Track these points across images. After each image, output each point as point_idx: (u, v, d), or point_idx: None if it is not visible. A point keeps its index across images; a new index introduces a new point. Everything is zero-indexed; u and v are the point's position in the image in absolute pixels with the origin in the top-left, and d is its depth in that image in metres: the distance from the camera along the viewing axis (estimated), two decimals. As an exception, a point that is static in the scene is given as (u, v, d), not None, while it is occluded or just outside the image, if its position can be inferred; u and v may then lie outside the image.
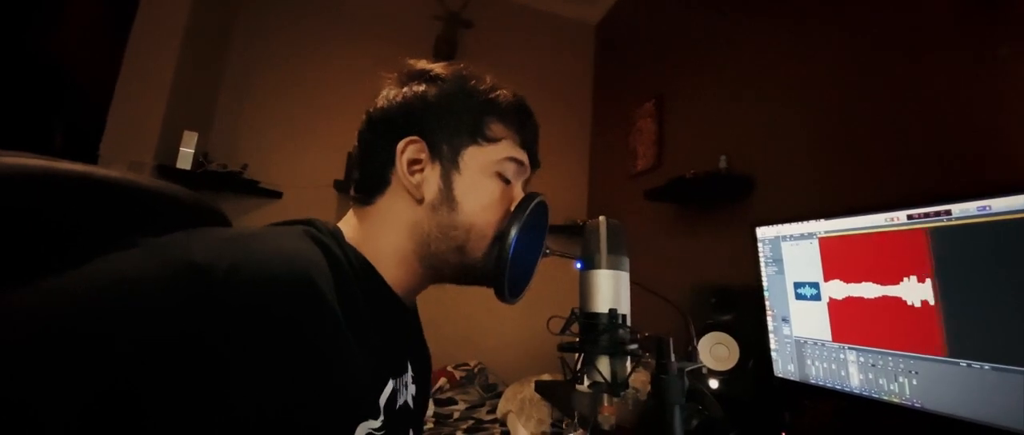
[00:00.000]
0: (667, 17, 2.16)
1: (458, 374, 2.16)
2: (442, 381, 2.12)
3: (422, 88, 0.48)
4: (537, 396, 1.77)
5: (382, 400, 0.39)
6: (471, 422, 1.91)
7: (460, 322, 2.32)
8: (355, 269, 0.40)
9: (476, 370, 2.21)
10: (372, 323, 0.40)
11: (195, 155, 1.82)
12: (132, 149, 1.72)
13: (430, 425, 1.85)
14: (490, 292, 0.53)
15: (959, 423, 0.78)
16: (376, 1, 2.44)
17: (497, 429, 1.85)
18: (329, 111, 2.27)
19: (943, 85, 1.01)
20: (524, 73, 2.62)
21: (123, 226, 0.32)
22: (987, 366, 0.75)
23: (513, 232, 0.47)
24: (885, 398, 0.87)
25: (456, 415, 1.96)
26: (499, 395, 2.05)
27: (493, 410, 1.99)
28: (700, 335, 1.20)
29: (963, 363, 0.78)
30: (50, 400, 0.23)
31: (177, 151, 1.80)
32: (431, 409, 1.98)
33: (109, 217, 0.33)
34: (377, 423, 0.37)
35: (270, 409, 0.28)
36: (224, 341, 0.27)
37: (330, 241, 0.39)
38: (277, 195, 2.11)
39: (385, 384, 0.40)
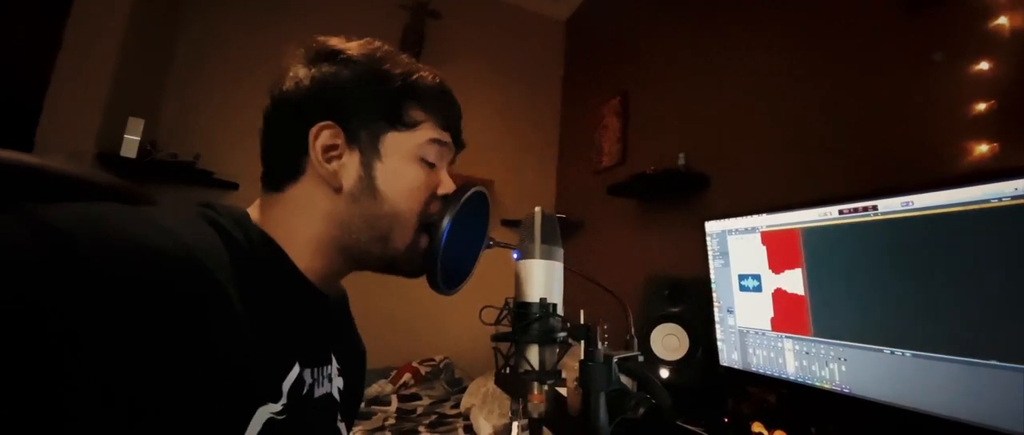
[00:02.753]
0: (633, 15, 2.19)
1: (423, 369, 2.15)
2: (407, 376, 2.10)
3: (334, 70, 0.45)
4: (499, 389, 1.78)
5: (285, 385, 0.38)
6: (434, 417, 1.90)
7: (426, 317, 2.30)
8: (258, 252, 0.39)
9: (442, 365, 2.20)
10: (276, 307, 0.38)
11: (141, 143, 1.73)
12: (71, 135, 1.62)
13: (392, 421, 1.83)
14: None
15: (884, 408, 0.83)
16: (341, -12, 2.38)
17: (460, 423, 1.84)
18: (290, 100, 2.19)
19: (880, 88, 1.07)
20: (493, 67, 2.61)
21: None
22: (908, 353, 0.80)
23: (445, 221, 0.46)
24: (818, 384, 0.92)
25: (420, 410, 1.95)
26: (465, 390, 2.05)
27: (458, 405, 1.99)
28: (653, 326, 1.23)
29: (887, 350, 0.82)
30: None
31: (121, 139, 1.71)
32: (394, 404, 1.96)
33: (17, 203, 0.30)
34: (277, 406, 0.36)
35: (138, 393, 0.27)
36: (78, 314, 0.25)
37: (229, 222, 0.38)
38: (233, 187, 2.03)
39: (289, 369, 0.39)
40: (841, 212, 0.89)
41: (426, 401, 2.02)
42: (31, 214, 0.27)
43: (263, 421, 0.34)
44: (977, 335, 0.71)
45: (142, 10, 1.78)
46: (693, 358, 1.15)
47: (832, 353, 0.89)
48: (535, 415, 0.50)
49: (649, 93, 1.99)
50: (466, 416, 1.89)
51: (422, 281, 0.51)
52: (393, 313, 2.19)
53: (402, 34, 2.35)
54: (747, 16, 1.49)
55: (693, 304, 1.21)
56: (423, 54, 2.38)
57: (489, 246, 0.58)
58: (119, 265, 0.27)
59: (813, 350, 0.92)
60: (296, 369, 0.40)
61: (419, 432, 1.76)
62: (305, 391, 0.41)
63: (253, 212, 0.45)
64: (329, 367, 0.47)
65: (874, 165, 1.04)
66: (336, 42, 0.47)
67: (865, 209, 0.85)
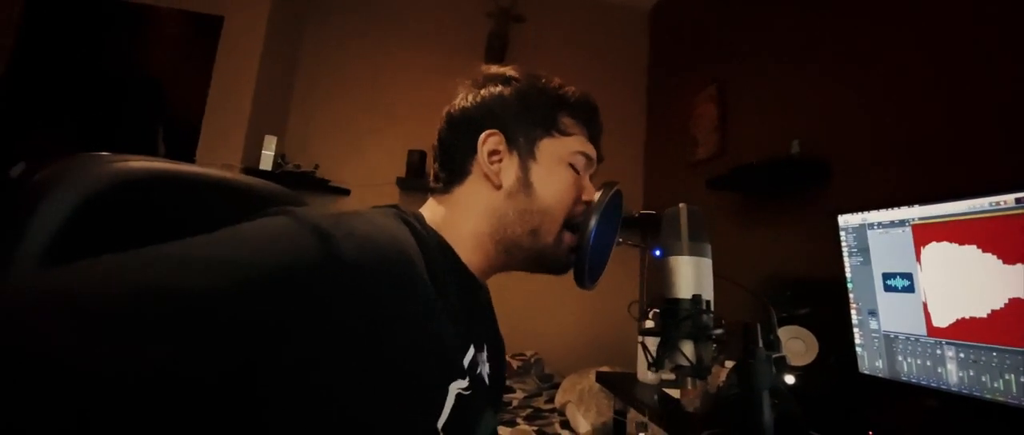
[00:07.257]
0: (728, -3, 2.06)
1: (515, 363, 2.21)
2: (500, 369, 2.18)
3: (498, 89, 0.53)
4: (596, 387, 1.78)
5: (465, 361, 0.43)
6: (530, 410, 1.95)
7: (516, 312, 2.36)
8: (437, 249, 0.45)
9: (532, 360, 2.25)
10: (452, 295, 0.44)
11: (274, 157, 1.99)
12: (222, 153, 1.92)
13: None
14: (547, 282, 0.56)
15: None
16: (430, 3, 2.52)
17: (556, 418, 1.88)
18: (390, 112, 2.39)
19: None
20: (577, 64, 2.60)
21: (230, 218, 0.36)
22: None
23: (594, 219, 0.49)
24: (988, 397, 0.80)
25: (515, 402, 2.01)
26: (556, 386, 2.07)
27: (551, 400, 2.02)
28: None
29: (1090, 362, 0.70)
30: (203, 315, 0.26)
31: (259, 154, 1.98)
32: (491, 396, 2.04)
33: (216, 210, 0.39)
34: (465, 383, 0.40)
35: (379, 358, 0.32)
36: (340, 292, 0.30)
37: (415, 222, 0.44)
38: (345, 192, 2.25)
39: (467, 349, 0.44)
40: (1018, 200, 0.76)
41: (520, 394, 2.08)
42: (296, 216, 0.34)
43: (454, 394, 0.39)
44: None
45: (272, 46, 2.05)
46: (824, 364, 1.06)
47: (1008, 362, 0.78)
48: (690, 409, 0.51)
49: (750, 77, 1.85)
50: (561, 411, 1.91)
51: (513, 280, 0.55)
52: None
53: (487, 40, 2.43)
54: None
55: (820, 306, 1.12)
56: (507, 58, 2.44)
57: (618, 244, 0.60)
58: (365, 259, 0.33)
59: (983, 358, 0.80)
60: (471, 350, 0.45)
61: (517, 423, 1.82)
62: (477, 371, 0.46)
63: (424, 212, 0.52)
64: (483, 353, 0.53)
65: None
66: (497, 68, 0.55)
67: (1056, 196, 0.72)
